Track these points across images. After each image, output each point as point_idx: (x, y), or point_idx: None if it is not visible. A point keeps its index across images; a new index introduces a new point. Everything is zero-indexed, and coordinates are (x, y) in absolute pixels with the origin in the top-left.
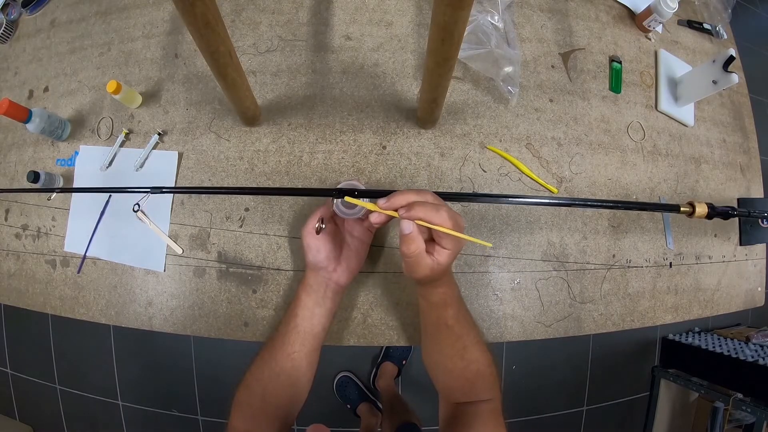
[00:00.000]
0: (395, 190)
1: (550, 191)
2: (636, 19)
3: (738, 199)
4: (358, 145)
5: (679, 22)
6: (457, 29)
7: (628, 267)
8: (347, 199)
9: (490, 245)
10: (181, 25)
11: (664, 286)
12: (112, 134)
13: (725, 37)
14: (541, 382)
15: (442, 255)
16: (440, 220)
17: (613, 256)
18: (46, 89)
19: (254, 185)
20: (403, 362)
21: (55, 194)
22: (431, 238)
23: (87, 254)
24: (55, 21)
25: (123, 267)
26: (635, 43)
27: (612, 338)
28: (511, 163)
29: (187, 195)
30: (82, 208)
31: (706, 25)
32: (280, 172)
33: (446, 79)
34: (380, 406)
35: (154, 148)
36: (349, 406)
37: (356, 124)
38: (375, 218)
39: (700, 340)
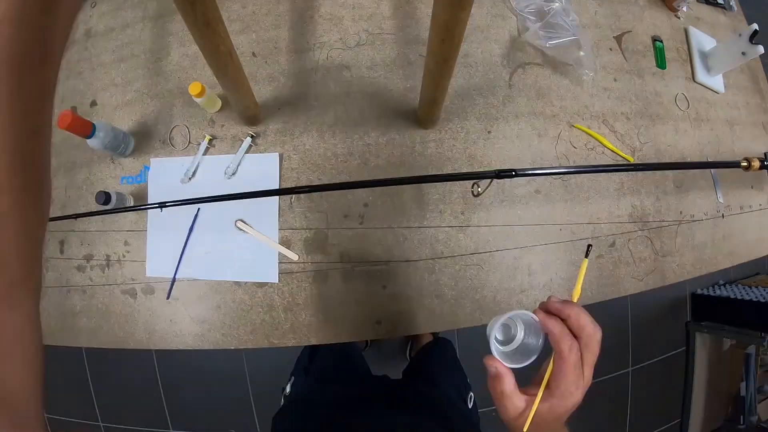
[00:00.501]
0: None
1: (627, 160)
2: (666, 1)
3: (765, 153)
4: (466, 132)
5: (698, 0)
6: (458, 29)
7: (692, 221)
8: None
9: None
10: (252, 23)
11: (720, 235)
12: (190, 142)
13: (735, 9)
14: None
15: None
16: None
17: (680, 212)
18: (93, 103)
19: (372, 179)
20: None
21: (124, 213)
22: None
23: (177, 276)
24: (91, 31)
25: (225, 284)
26: (668, 22)
27: (645, 298)
28: (594, 138)
29: (295, 197)
30: (161, 226)
31: (719, 0)
32: (395, 163)
33: (446, 78)
34: None
35: (246, 152)
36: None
37: (460, 112)
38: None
39: (727, 291)
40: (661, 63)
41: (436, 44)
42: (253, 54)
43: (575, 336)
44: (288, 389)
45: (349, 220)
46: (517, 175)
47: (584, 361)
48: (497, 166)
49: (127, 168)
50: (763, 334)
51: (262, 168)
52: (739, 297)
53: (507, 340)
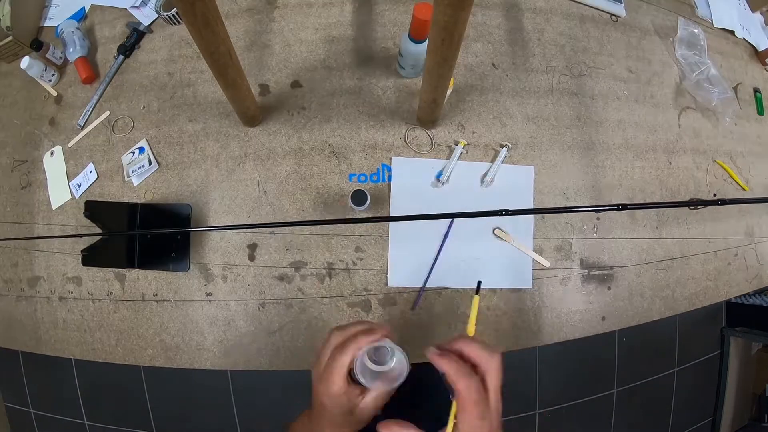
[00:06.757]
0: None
1: (744, 189)
2: (759, 56)
3: None
4: (657, 162)
5: None
6: (457, 29)
7: None
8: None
9: None
10: (485, 33)
11: None
12: (434, 144)
13: None
14: (642, 352)
15: None
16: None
17: None
18: (296, 84)
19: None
20: None
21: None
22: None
23: (426, 286)
24: (277, 2)
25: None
26: (761, 75)
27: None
28: (727, 171)
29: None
30: (407, 232)
31: None
32: (612, 185)
33: (446, 79)
34: None
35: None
36: None
37: (651, 144)
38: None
39: (759, 299)
40: (760, 110)
41: (436, 44)
42: (493, 65)
43: (475, 365)
44: None
45: (586, 230)
46: (724, 203)
47: (488, 388)
48: (681, 192)
49: (355, 165)
50: None
51: (517, 179)
52: None
53: (380, 362)
